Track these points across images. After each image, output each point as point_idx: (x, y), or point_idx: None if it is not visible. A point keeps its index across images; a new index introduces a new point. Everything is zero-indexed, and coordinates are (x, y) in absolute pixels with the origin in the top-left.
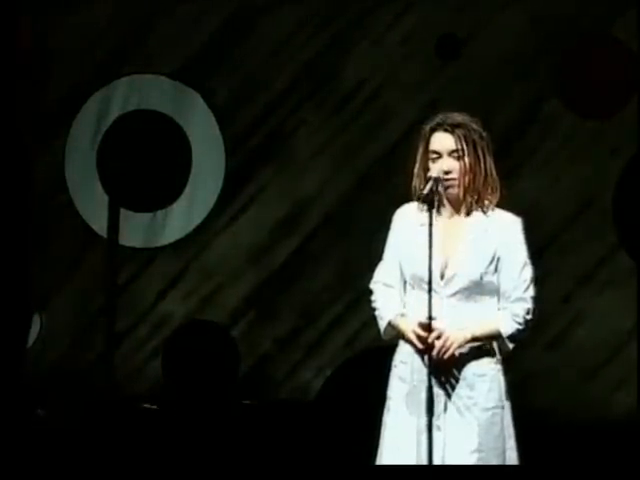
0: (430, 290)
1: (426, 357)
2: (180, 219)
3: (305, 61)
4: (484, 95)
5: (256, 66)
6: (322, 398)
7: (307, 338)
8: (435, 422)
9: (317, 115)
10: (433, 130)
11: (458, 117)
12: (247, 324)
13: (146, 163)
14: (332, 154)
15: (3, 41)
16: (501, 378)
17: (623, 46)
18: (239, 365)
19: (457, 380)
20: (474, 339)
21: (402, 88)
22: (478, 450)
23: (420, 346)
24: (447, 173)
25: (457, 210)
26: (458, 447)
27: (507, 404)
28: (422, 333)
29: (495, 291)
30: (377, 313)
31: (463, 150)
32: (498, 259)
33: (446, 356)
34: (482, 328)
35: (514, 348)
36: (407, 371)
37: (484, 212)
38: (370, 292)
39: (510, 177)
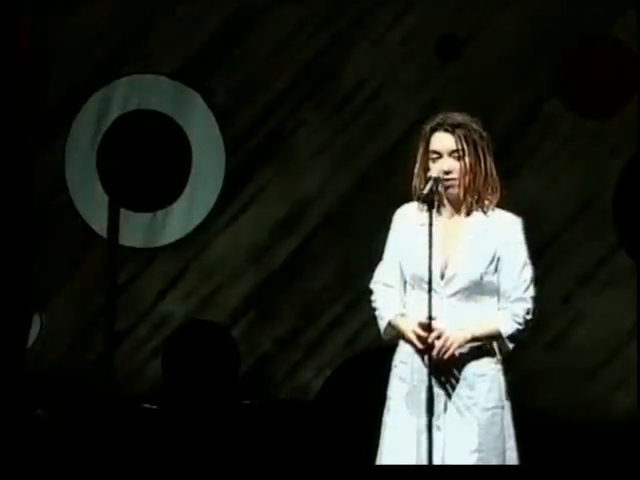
0: (430, 290)
1: (426, 357)
2: (180, 219)
3: (305, 61)
4: (484, 95)
5: (256, 66)
6: (322, 398)
7: (307, 338)
8: (435, 422)
9: (317, 115)
10: (433, 130)
11: (458, 117)
12: (247, 324)
13: (146, 163)
14: (332, 154)
15: (3, 41)
16: (501, 378)
17: (623, 46)
18: (239, 365)
19: (457, 380)
20: (474, 339)
21: (402, 88)
22: (478, 450)
23: (420, 346)
24: (447, 173)
25: (457, 210)
26: (458, 447)
27: (507, 404)
28: (422, 333)
29: (495, 291)
30: (377, 313)
31: (463, 150)
32: (498, 259)
33: (446, 356)
34: (482, 328)
35: (514, 348)
36: (407, 371)
37: (484, 212)
38: (370, 292)
39: (510, 177)
